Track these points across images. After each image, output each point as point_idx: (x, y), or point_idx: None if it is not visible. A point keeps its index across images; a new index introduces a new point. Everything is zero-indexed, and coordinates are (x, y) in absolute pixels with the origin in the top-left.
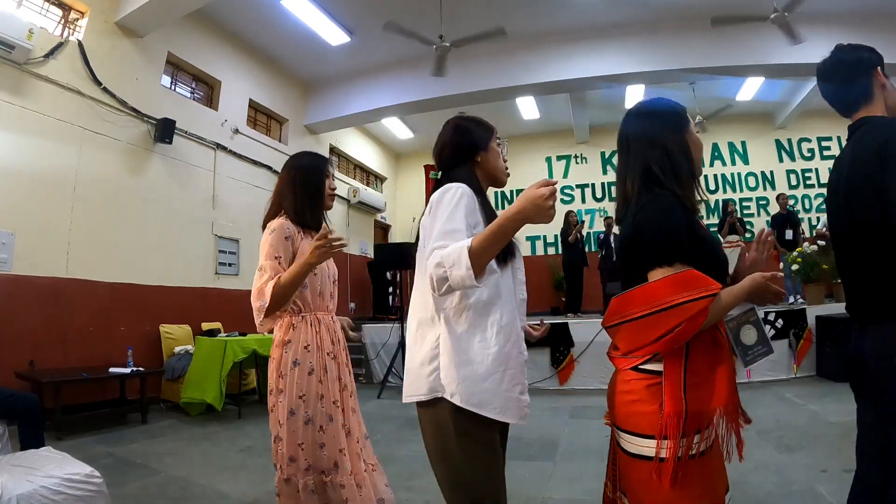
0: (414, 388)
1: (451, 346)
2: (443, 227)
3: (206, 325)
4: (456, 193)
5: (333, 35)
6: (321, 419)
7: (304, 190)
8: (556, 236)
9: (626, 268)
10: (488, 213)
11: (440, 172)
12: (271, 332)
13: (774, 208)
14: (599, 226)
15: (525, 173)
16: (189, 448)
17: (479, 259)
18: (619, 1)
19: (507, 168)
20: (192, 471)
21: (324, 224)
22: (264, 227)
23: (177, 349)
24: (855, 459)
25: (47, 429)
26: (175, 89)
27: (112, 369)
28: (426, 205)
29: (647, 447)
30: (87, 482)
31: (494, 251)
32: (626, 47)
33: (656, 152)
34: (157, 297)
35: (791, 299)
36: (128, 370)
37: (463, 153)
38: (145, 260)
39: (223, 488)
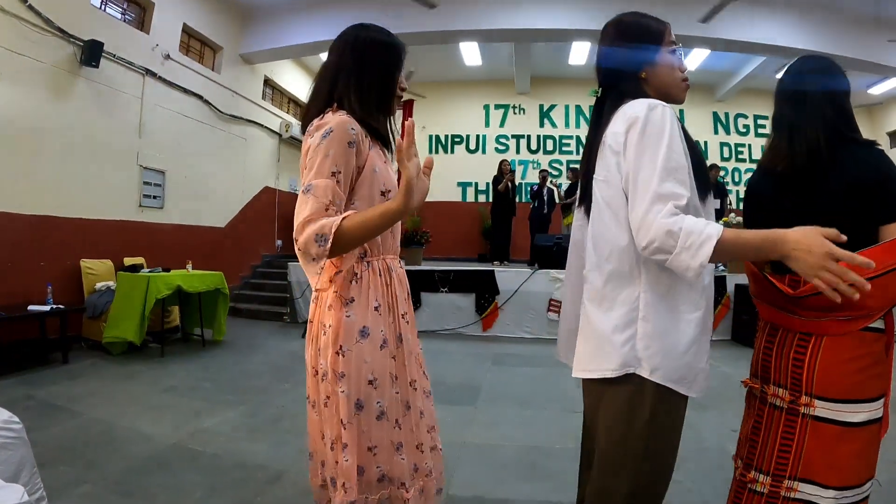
0: (598, 360)
1: (654, 310)
2: (666, 164)
3: (128, 261)
4: (665, 115)
5: None
6: (396, 410)
7: (374, 75)
8: (487, 184)
9: (846, 220)
10: (690, 146)
11: (599, 89)
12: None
13: None
14: (532, 177)
15: (462, 119)
16: (112, 388)
17: (718, 257)
18: None
19: (685, 78)
20: (115, 412)
21: (398, 132)
22: (304, 128)
23: (98, 285)
24: None
25: None
26: (105, 10)
27: (31, 307)
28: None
29: (874, 410)
30: (6, 428)
31: (744, 256)
32: (576, 4)
33: (834, 109)
34: (77, 231)
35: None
36: (47, 308)
37: (623, 69)
38: (66, 191)
39: (147, 430)
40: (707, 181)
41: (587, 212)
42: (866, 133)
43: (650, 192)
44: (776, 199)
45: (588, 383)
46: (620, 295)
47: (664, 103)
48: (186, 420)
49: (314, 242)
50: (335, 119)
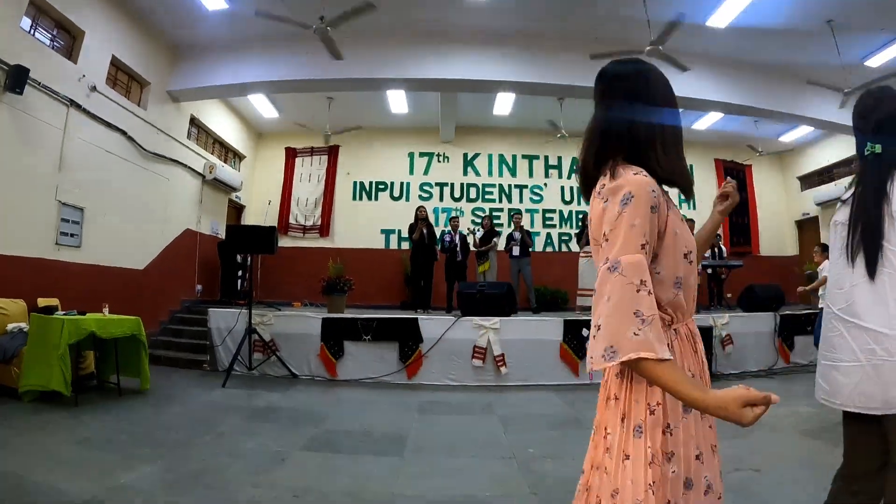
0: None
1: None
2: None
3: (42, 301)
4: None
5: None
6: (717, 481)
7: (671, 119)
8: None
9: None
10: None
11: (877, 146)
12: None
13: None
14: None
15: (386, 166)
16: (23, 439)
17: None
18: (504, 9)
19: None
20: (27, 465)
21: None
22: (587, 189)
23: (9, 326)
24: None
25: None
26: (34, 34)
27: None
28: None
29: None
30: None
31: None
32: (503, 55)
33: None
34: None
35: None
36: None
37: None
38: None
39: (60, 485)
40: None
41: (871, 273)
42: (778, 178)
43: None
44: None
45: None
46: None
47: None
48: (102, 474)
49: (603, 353)
50: (634, 181)
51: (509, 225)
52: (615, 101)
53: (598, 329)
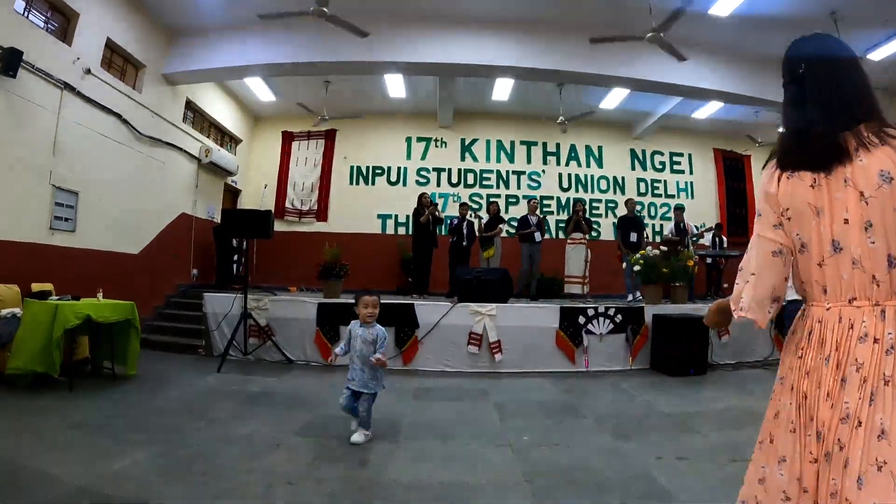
0: None
1: None
2: None
3: (36, 286)
4: None
5: None
6: None
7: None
8: (407, 216)
9: None
10: None
11: None
12: None
13: (622, 211)
14: (451, 211)
15: (384, 151)
16: (15, 425)
17: None
18: None
19: None
20: (19, 451)
21: None
22: (831, 151)
23: (3, 312)
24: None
25: None
26: (28, 17)
27: None
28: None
29: None
30: None
31: None
32: (503, 40)
33: None
34: None
35: (630, 297)
36: None
37: None
38: None
39: (53, 470)
40: None
41: None
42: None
43: None
44: None
45: None
46: None
47: None
48: (95, 460)
49: None
50: None
51: (507, 211)
52: (837, 71)
53: None
